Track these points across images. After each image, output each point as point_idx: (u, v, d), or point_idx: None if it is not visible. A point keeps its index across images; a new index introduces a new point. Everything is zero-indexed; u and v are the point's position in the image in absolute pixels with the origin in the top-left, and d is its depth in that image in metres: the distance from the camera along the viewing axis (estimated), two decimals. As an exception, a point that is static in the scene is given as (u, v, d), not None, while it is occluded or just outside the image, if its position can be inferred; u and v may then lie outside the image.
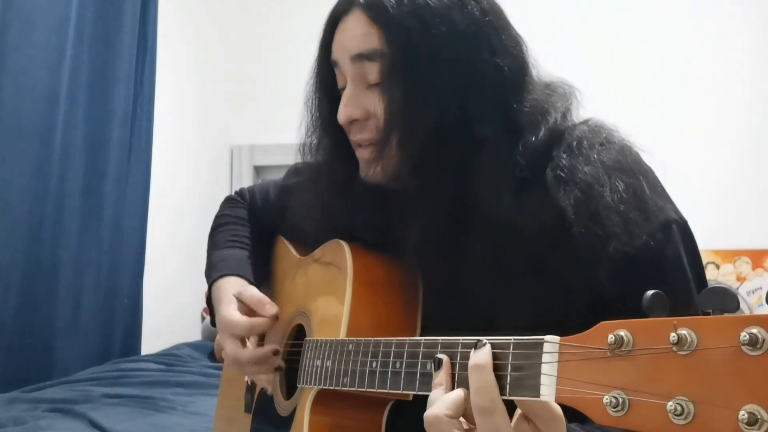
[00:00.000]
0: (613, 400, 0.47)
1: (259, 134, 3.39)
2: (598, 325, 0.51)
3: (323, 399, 0.86)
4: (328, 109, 0.91)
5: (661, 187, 0.81)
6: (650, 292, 0.48)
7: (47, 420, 1.61)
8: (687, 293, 0.75)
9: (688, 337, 0.44)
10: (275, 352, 0.96)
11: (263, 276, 1.16)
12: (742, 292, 2.93)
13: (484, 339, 0.60)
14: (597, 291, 0.74)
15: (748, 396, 0.41)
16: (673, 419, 0.44)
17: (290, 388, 1.00)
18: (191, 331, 2.97)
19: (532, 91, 0.84)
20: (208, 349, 2.57)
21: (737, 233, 2.91)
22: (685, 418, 0.43)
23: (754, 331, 0.41)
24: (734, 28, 2.99)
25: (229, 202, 1.25)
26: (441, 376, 0.63)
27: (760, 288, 2.88)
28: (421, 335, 0.85)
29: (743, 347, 0.41)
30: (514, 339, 0.57)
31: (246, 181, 3.43)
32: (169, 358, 2.46)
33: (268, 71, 3.42)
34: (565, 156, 0.80)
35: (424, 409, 0.61)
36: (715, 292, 0.46)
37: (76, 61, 2.27)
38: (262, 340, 1.04)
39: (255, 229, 1.20)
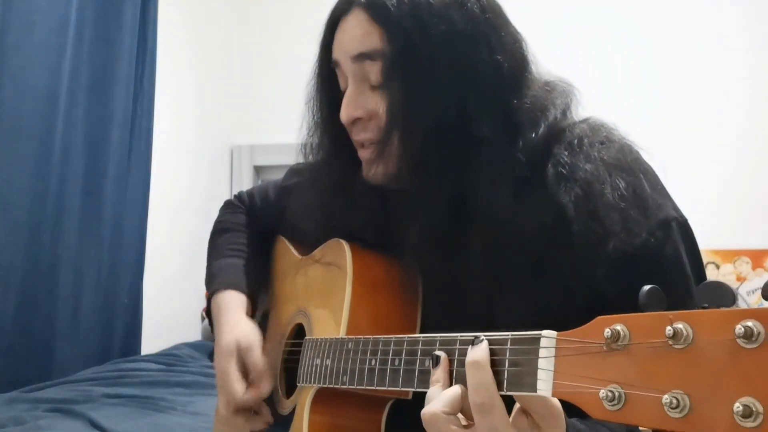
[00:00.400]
0: (610, 394, 0.48)
1: (259, 134, 3.39)
2: (594, 319, 0.51)
3: (323, 398, 0.86)
4: (330, 110, 0.91)
5: (661, 185, 0.81)
6: (647, 288, 0.49)
7: (47, 420, 1.61)
8: (686, 291, 0.75)
9: (684, 331, 0.45)
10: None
11: (263, 277, 1.17)
12: (742, 292, 2.93)
13: (481, 335, 0.60)
14: (596, 290, 0.74)
15: (744, 388, 0.41)
16: (668, 412, 0.44)
17: (290, 386, 1.00)
18: (191, 331, 2.97)
19: (531, 87, 0.84)
20: (208, 349, 2.57)
21: (737, 233, 2.91)
22: (680, 412, 0.44)
23: (750, 324, 0.41)
24: (734, 28, 3.00)
25: (228, 207, 1.25)
26: (439, 373, 0.63)
27: (760, 288, 2.87)
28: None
29: (738, 340, 0.42)
30: (512, 334, 0.58)
31: (246, 180, 3.43)
32: (169, 358, 2.46)
33: (268, 71, 3.42)
34: (566, 153, 0.80)
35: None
36: (711, 286, 0.46)
37: (76, 61, 2.26)
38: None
39: (255, 232, 1.20)
